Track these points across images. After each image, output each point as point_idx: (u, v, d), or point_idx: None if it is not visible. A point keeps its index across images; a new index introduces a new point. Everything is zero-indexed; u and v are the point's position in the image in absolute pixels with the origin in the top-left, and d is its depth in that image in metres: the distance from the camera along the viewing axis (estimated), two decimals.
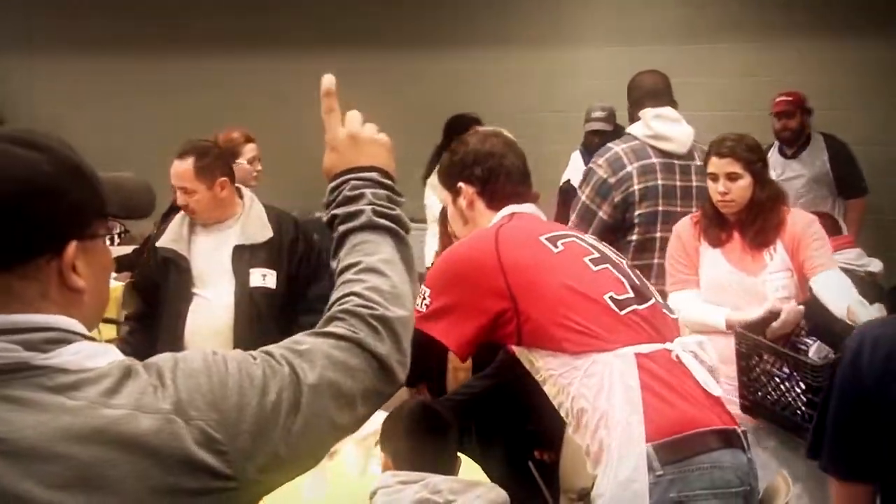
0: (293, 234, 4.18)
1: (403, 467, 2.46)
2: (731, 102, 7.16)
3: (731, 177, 3.63)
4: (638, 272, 2.63)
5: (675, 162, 4.01)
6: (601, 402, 2.32)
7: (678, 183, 3.99)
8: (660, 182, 3.98)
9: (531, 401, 3.60)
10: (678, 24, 7.36)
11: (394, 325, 1.43)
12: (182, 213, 4.20)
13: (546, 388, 2.49)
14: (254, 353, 1.36)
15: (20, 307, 1.27)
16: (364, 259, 1.49)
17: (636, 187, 3.94)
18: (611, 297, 2.41)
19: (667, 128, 4.06)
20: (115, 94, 8.67)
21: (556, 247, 2.49)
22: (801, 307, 3.54)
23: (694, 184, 4.03)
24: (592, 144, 5.74)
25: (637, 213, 3.94)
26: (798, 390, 3.32)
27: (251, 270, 4.05)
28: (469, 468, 3.16)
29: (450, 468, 2.53)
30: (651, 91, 4.16)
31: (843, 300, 3.39)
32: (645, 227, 3.97)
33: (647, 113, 4.07)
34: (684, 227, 3.82)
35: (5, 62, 9.06)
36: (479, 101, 7.42)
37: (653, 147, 4.02)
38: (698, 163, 4.03)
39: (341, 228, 1.54)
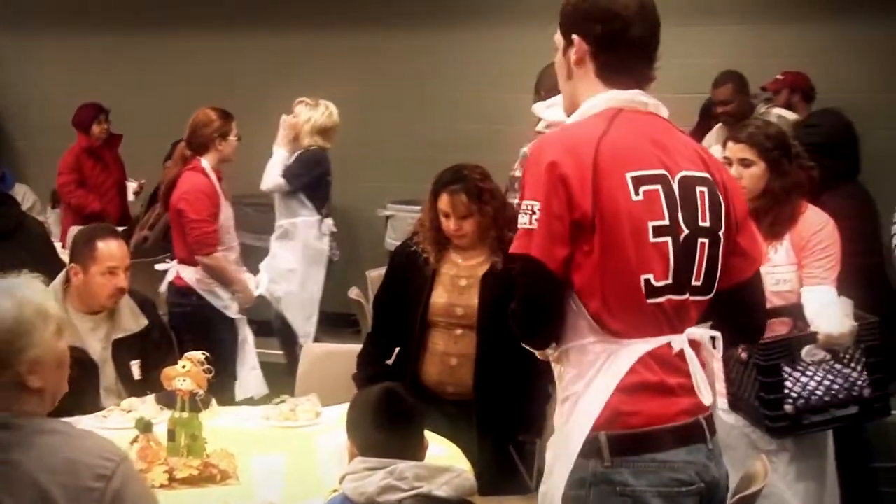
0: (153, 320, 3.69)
1: (369, 455, 2.45)
2: None
3: (744, 163, 3.58)
4: (705, 252, 2.31)
5: None
6: (580, 384, 2.24)
7: None
8: None
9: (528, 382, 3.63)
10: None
11: None
12: (60, 291, 3.56)
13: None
14: None
15: None
16: None
17: None
18: (646, 281, 2.22)
19: (560, 113, 4.00)
20: (108, 73, 8.59)
21: (637, 194, 2.22)
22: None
23: None
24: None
25: None
26: (753, 374, 3.36)
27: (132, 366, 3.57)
28: (452, 454, 3.16)
29: (416, 453, 2.52)
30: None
31: (822, 319, 3.41)
32: None
33: (538, 108, 3.94)
34: None
35: None
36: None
37: None
38: None
39: None
